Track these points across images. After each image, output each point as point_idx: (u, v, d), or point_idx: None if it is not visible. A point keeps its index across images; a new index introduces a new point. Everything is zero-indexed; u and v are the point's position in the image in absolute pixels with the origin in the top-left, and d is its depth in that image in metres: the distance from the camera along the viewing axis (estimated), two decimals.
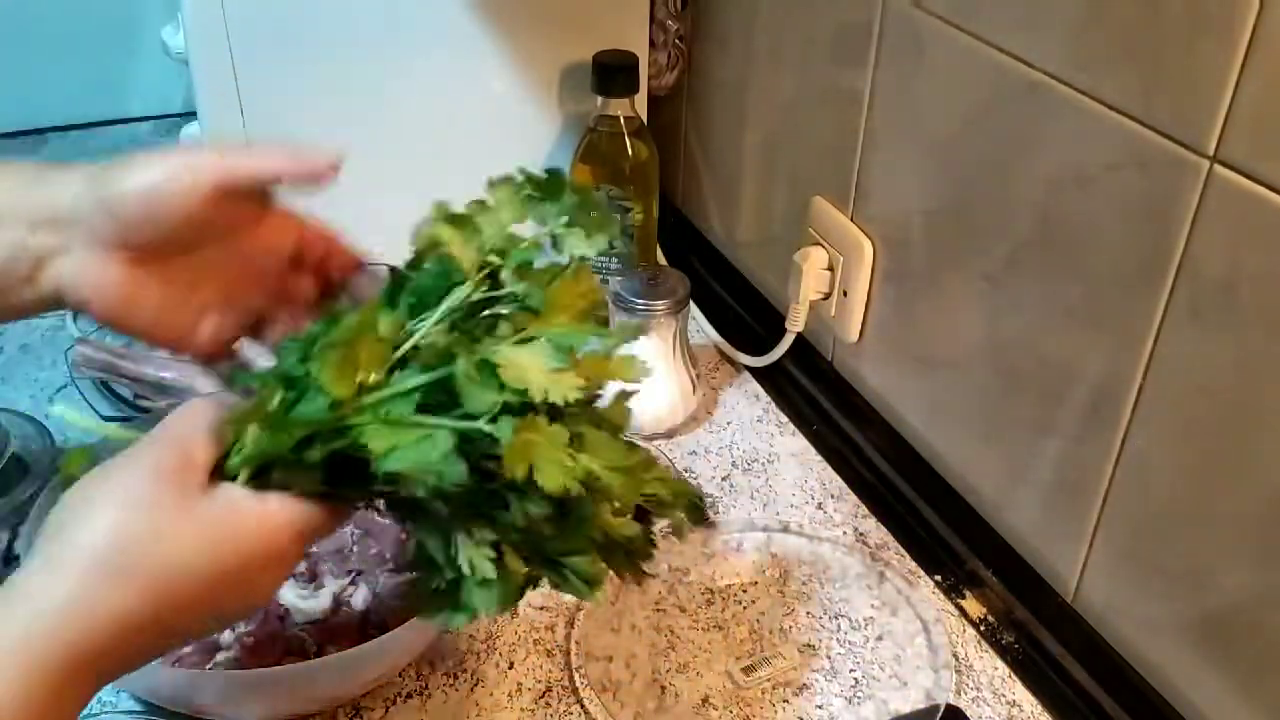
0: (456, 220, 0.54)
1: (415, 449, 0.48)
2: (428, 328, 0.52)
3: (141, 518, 0.47)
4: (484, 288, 0.54)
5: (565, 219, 0.55)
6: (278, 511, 0.50)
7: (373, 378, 0.50)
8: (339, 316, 0.52)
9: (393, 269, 0.56)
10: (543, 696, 0.75)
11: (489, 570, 0.51)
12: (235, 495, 0.49)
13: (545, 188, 0.55)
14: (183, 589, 0.47)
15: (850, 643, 0.78)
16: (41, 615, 0.45)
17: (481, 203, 0.55)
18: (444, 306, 0.52)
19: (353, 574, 0.75)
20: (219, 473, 0.50)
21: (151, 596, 0.46)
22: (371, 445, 0.48)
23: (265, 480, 0.50)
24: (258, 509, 0.49)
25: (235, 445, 0.50)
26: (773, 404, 1.02)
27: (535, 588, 0.54)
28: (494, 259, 0.54)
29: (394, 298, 0.54)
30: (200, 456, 0.49)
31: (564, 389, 0.49)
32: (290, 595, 0.72)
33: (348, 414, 0.49)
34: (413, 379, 0.50)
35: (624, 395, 0.56)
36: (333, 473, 0.50)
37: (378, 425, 0.48)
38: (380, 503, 0.59)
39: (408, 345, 0.51)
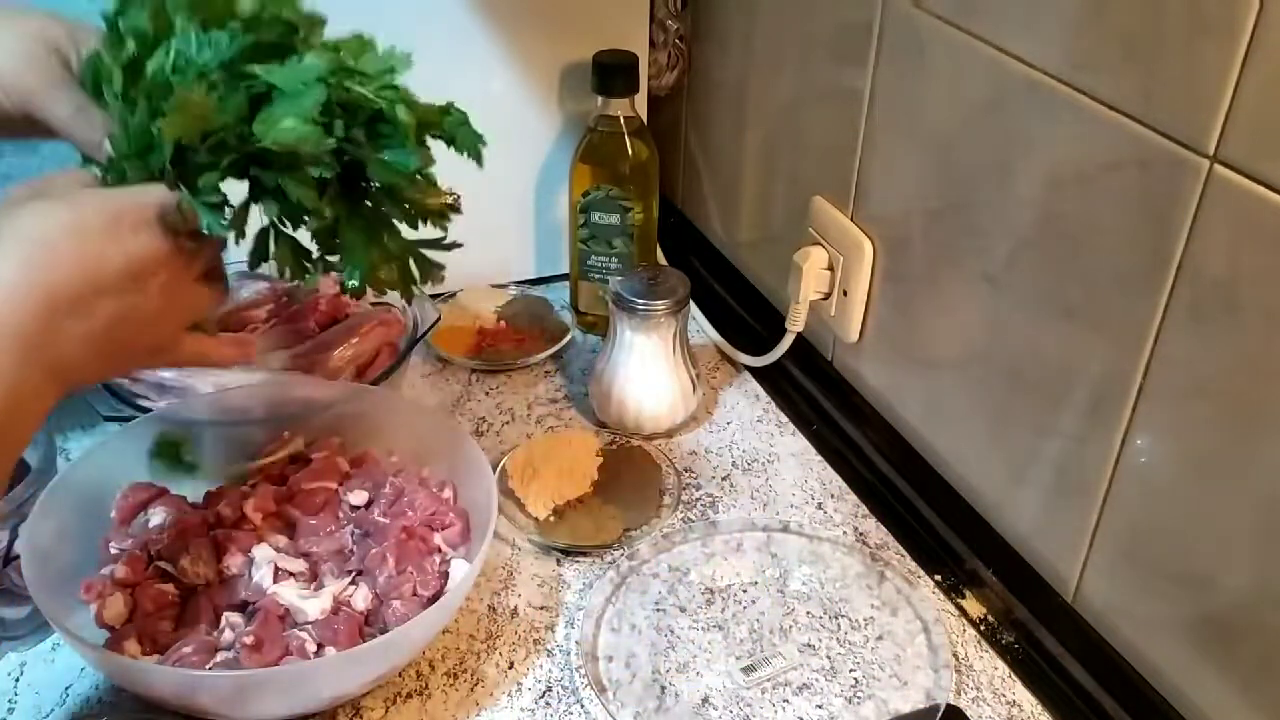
0: None
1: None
2: None
3: (62, 215, 0.55)
4: None
5: None
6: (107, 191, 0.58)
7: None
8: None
9: None
10: (543, 696, 0.75)
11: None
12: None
13: None
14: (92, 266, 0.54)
15: (850, 643, 0.78)
16: None
17: None
18: None
19: (353, 574, 0.75)
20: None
21: (67, 272, 0.54)
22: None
23: None
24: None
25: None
26: (773, 404, 1.02)
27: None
28: None
29: None
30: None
31: None
32: (290, 595, 0.72)
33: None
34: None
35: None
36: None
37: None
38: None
39: None
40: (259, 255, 0.62)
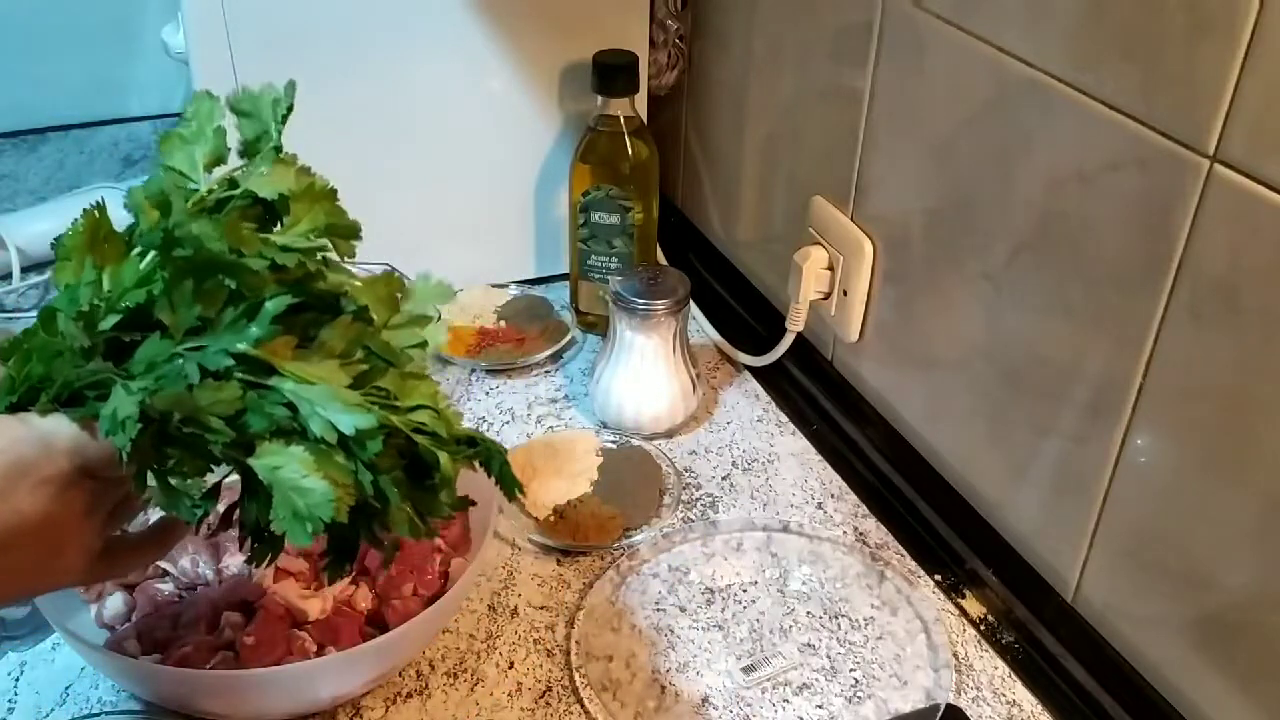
0: (166, 139, 0.55)
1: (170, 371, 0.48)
2: (179, 217, 0.51)
3: None
4: (223, 187, 0.54)
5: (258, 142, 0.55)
6: (20, 424, 0.49)
7: (110, 272, 0.50)
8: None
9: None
10: (543, 696, 0.75)
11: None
12: None
13: (244, 104, 0.56)
14: None
15: (850, 642, 0.78)
16: None
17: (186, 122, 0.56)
18: (187, 204, 0.52)
19: (353, 574, 0.75)
20: None
21: None
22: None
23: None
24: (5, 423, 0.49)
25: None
26: (773, 404, 1.02)
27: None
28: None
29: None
30: None
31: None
32: (290, 595, 0.72)
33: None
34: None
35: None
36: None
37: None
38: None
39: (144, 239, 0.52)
40: (225, 525, 0.55)
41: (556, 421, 0.99)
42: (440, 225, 1.08)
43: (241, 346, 0.48)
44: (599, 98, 1.00)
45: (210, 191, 0.53)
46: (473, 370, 1.04)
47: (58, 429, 0.49)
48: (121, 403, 0.47)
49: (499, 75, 1.04)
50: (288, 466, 0.48)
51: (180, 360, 0.48)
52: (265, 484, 0.49)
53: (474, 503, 0.58)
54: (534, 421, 0.99)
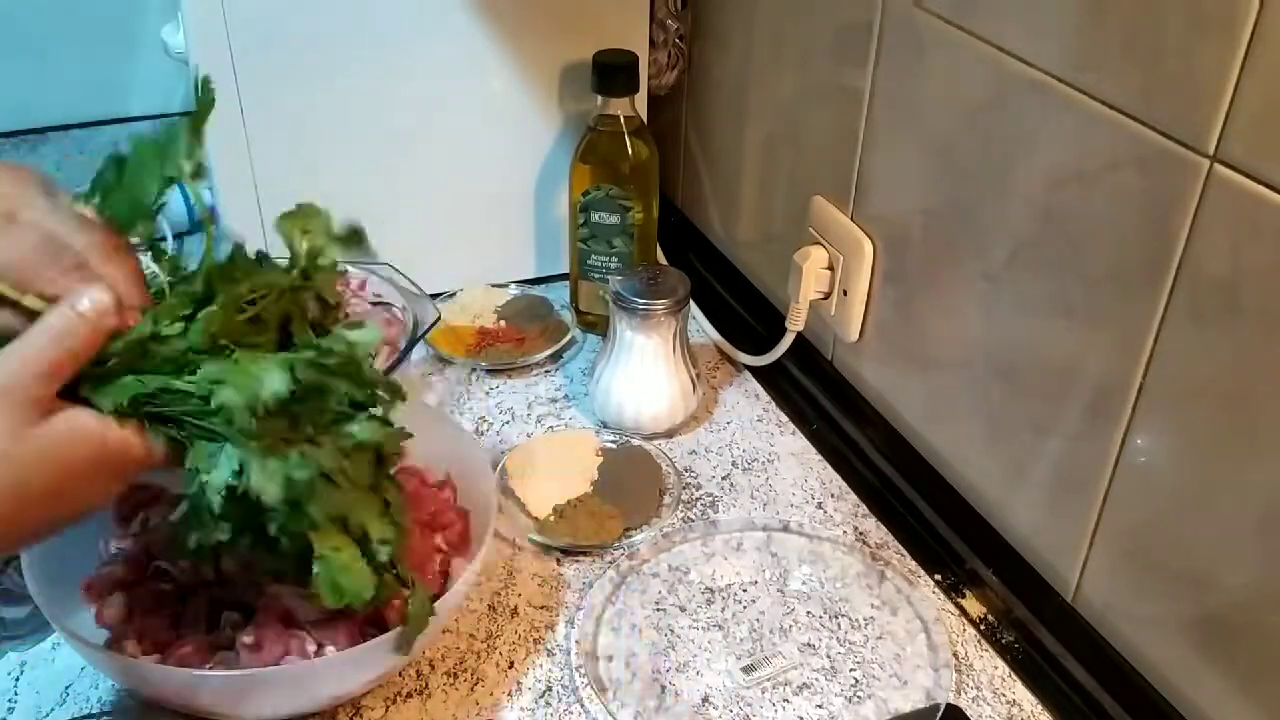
0: (288, 217, 0.62)
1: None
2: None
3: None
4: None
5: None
6: (113, 428, 0.55)
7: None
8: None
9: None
10: (543, 696, 0.75)
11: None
12: (78, 416, 0.54)
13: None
14: (16, 503, 0.52)
15: (850, 642, 0.78)
16: None
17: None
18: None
19: None
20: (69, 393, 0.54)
21: None
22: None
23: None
24: (98, 427, 0.54)
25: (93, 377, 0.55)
26: (773, 403, 1.02)
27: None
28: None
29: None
30: (38, 390, 0.52)
31: None
32: (290, 595, 0.72)
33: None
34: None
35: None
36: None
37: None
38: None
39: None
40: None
41: (556, 421, 0.99)
42: (441, 225, 1.08)
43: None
44: (599, 98, 1.00)
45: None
46: (473, 370, 1.04)
47: (130, 439, 0.55)
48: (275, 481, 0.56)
49: (499, 75, 1.04)
50: (346, 551, 0.60)
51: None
52: (318, 554, 0.59)
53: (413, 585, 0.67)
54: (534, 421, 0.99)
